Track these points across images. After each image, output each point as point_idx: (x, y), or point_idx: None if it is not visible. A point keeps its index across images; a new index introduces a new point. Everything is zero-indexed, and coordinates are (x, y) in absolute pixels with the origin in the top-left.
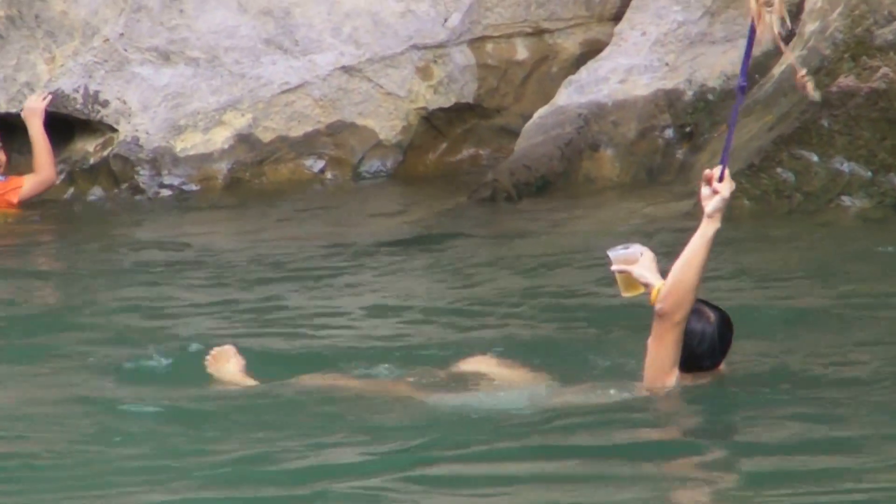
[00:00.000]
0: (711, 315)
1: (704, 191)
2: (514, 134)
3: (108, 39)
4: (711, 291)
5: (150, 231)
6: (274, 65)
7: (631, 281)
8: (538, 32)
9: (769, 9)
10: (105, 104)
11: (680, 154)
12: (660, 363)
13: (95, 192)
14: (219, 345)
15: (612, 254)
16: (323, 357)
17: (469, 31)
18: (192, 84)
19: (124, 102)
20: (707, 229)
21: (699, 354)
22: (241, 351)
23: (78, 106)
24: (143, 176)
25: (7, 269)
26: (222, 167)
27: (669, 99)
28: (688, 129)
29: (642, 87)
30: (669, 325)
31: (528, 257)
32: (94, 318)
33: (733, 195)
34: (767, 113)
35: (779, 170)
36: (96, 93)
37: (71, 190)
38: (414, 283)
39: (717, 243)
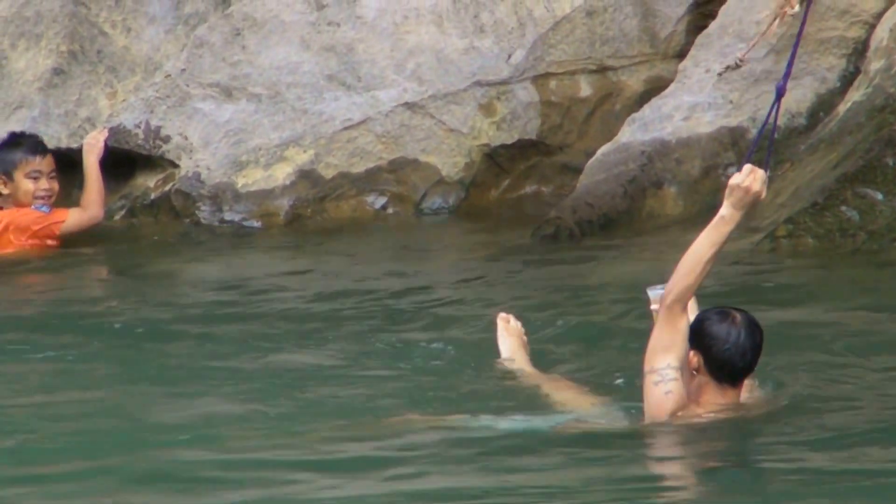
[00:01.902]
0: (738, 316)
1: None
2: (577, 171)
3: (169, 75)
4: (778, 327)
5: (211, 266)
6: (336, 101)
7: None
8: (602, 69)
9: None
10: (166, 139)
11: None
12: (651, 345)
13: (156, 228)
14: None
15: (651, 292)
16: (383, 391)
17: (533, 67)
18: (253, 120)
19: (186, 138)
20: (716, 216)
21: (728, 357)
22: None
23: (139, 141)
24: (204, 211)
25: (63, 300)
26: (284, 203)
27: (733, 136)
28: None
29: (706, 124)
30: (663, 310)
31: (590, 294)
32: (145, 349)
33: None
34: (831, 151)
35: (843, 208)
36: (158, 128)
37: (131, 225)
38: (474, 320)
39: (783, 278)
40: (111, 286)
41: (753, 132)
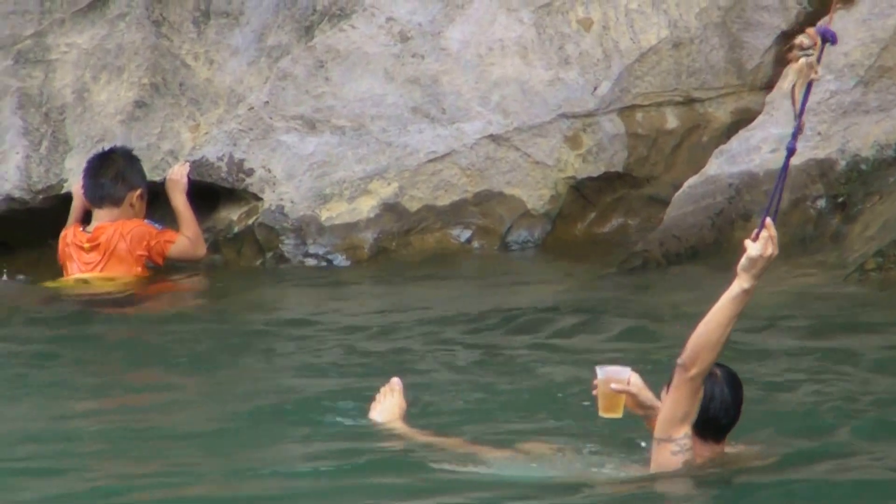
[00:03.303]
0: (717, 372)
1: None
2: (663, 203)
3: (252, 107)
4: (864, 360)
5: (296, 300)
6: (421, 133)
7: (615, 402)
8: (688, 101)
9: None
10: (250, 172)
11: (833, 224)
12: (670, 415)
13: (240, 261)
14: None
15: (600, 371)
16: (466, 420)
17: (619, 99)
18: (337, 152)
19: (269, 171)
20: (732, 287)
21: (714, 414)
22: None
23: (222, 174)
24: (288, 245)
25: (151, 332)
26: (368, 237)
27: (822, 169)
28: (840, 200)
29: (795, 156)
30: (685, 379)
31: (675, 329)
32: (231, 382)
33: (774, 257)
34: None
35: None
36: (241, 161)
37: (216, 258)
38: (556, 354)
39: (872, 311)
40: (194, 320)
41: (843, 164)
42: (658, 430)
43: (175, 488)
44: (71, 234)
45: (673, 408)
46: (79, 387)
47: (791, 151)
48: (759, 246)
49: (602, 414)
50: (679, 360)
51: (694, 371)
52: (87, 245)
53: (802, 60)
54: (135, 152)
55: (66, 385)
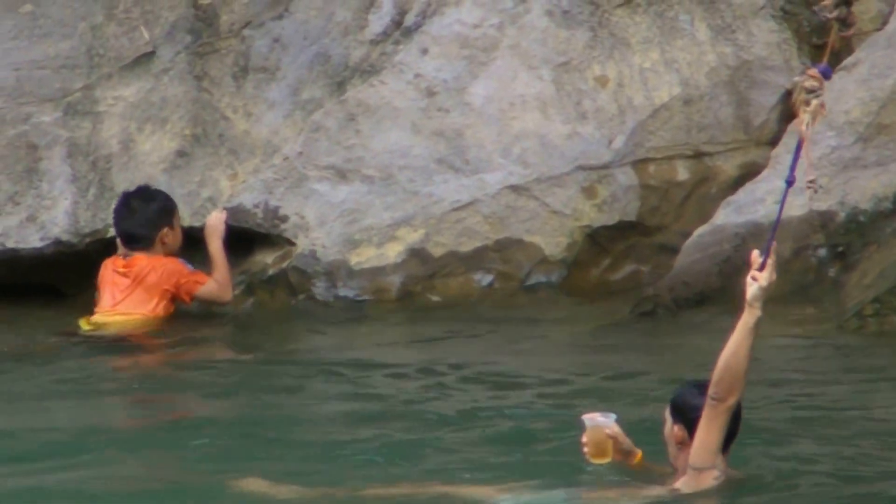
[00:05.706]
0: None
1: (749, 278)
2: (673, 251)
3: (287, 157)
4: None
5: (329, 339)
6: (445, 183)
7: (604, 448)
8: (698, 155)
9: (806, 107)
10: (284, 219)
11: (832, 272)
12: (709, 445)
13: (273, 302)
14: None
15: (589, 420)
16: (478, 457)
17: (632, 153)
18: (366, 200)
19: (302, 217)
20: (748, 319)
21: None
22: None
23: (258, 220)
24: (319, 287)
25: (184, 365)
26: (395, 280)
27: (823, 220)
28: (840, 249)
29: (797, 207)
30: (722, 410)
31: (682, 369)
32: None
33: (774, 285)
34: None
35: None
36: (276, 208)
37: (250, 299)
38: (570, 395)
39: (869, 356)
40: (229, 358)
41: (842, 215)
42: (699, 461)
43: None
44: (111, 261)
45: (712, 437)
46: (100, 421)
47: (790, 184)
48: (767, 274)
49: (593, 461)
50: (712, 395)
51: (731, 401)
52: (121, 270)
53: (815, 102)
54: (176, 198)
55: (90, 414)
